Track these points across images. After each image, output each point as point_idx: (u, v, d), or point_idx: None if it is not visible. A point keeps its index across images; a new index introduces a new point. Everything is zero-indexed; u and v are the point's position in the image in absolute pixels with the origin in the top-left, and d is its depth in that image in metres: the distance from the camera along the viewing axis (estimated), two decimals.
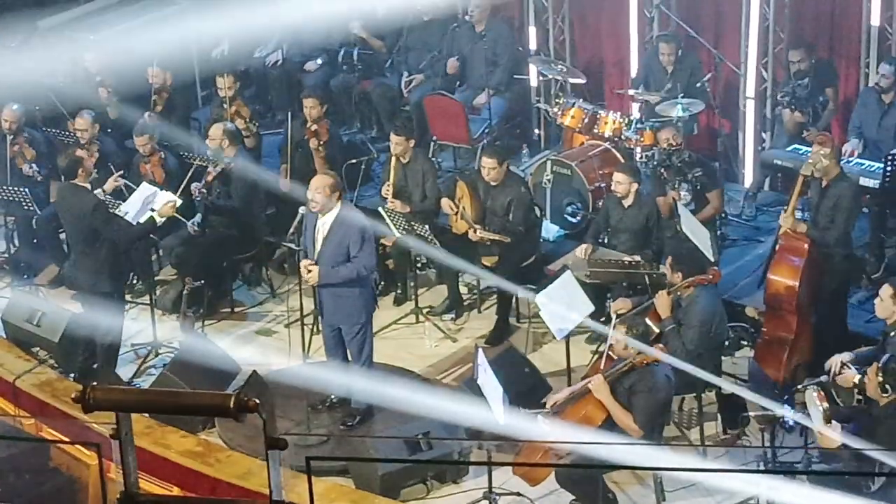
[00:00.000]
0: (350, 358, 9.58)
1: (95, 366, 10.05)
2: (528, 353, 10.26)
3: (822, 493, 7.76)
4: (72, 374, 10.19)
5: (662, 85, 12.02)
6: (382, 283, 11.25)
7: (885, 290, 8.75)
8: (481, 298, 11.24)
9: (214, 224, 11.16)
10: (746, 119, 12.16)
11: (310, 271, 9.31)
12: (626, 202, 10.46)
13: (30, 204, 11.35)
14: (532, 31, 13.22)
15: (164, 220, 10.20)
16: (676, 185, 10.59)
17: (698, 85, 12.02)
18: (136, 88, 12.38)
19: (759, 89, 12.03)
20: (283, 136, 12.04)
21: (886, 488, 7.81)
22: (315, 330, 10.29)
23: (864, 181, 10.70)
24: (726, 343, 9.74)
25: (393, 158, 11.16)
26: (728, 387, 9.10)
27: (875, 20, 11.51)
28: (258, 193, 11.28)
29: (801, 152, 11.03)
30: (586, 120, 11.89)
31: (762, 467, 8.66)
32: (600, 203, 11.01)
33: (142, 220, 10.12)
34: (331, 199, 9.22)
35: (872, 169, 10.80)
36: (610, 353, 8.77)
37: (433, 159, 12.15)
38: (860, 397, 8.60)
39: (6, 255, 12.05)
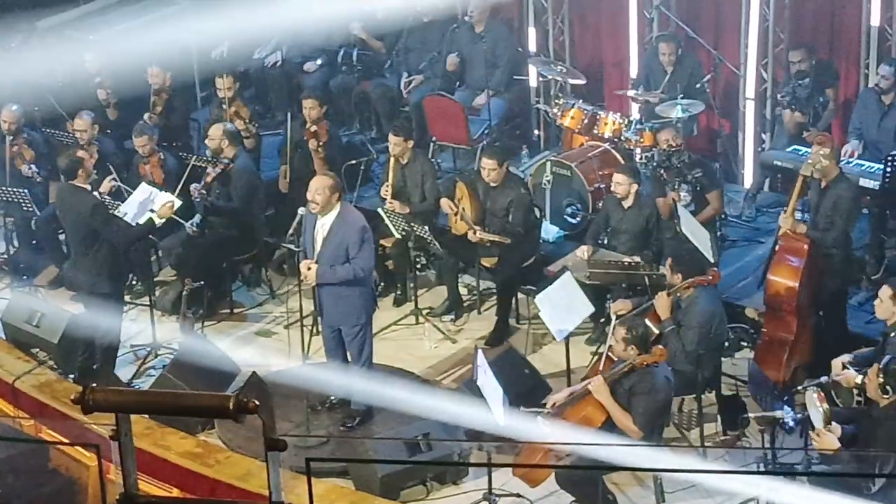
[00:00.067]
0: (350, 359, 9.58)
1: (95, 367, 10.05)
2: (527, 355, 10.25)
3: (822, 495, 7.76)
4: (71, 376, 10.18)
5: (662, 86, 12.01)
6: (382, 283, 11.25)
7: (885, 290, 8.74)
8: (481, 299, 11.23)
9: (214, 225, 11.16)
10: (746, 120, 12.16)
11: (309, 269, 9.31)
12: (626, 203, 10.45)
13: (29, 205, 11.34)
14: (532, 32, 13.22)
15: (163, 221, 10.20)
16: (676, 186, 10.58)
17: (698, 86, 12.02)
18: (136, 89, 12.37)
19: (759, 90, 12.03)
20: (282, 136, 12.04)
21: (886, 489, 7.80)
22: (315, 331, 10.28)
23: (863, 182, 10.70)
24: (726, 344, 9.73)
25: (391, 159, 11.16)
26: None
27: (875, 20, 11.50)
28: (258, 194, 11.28)
29: (800, 153, 11.02)
30: (586, 121, 11.89)
31: (762, 468, 8.65)
32: (600, 204, 11.01)
33: (141, 221, 10.12)
34: (330, 199, 9.22)
35: (872, 170, 10.80)
36: (610, 354, 8.76)
37: (432, 160, 12.15)
38: (860, 398, 8.60)
39: (5, 256, 12.04)
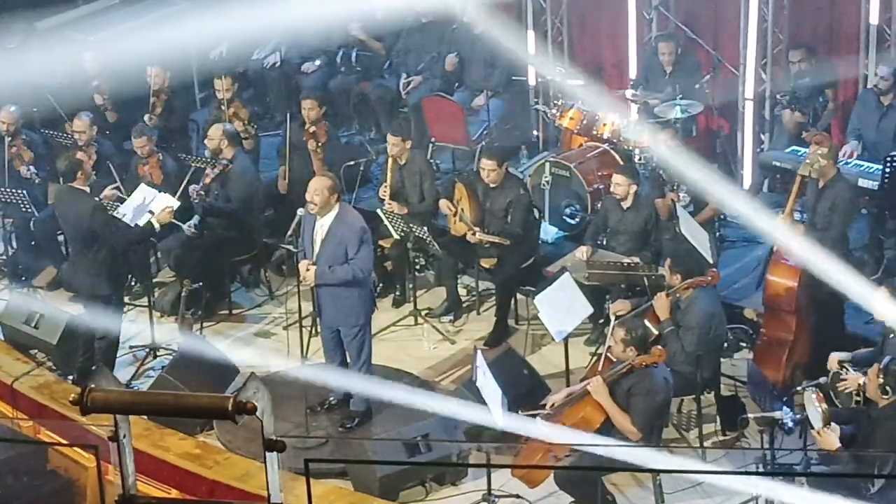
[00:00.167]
0: (349, 360, 9.57)
1: (94, 368, 10.04)
2: (526, 355, 10.24)
3: (821, 496, 7.76)
4: (70, 377, 10.18)
5: (661, 87, 12.02)
6: (381, 284, 11.25)
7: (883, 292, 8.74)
8: (480, 300, 11.23)
9: (213, 226, 11.15)
10: (745, 120, 12.16)
11: (308, 270, 9.31)
12: (625, 204, 10.45)
13: (28, 206, 11.33)
14: (531, 33, 13.20)
15: (162, 224, 10.21)
16: (675, 187, 10.57)
17: (697, 86, 12.02)
18: (135, 90, 12.37)
19: (758, 90, 12.02)
20: (281, 137, 12.04)
21: (886, 490, 7.80)
22: (314, 332, 10.28)
23: (862, 182, 10.70)
24: (725, 345, 9.73)
25: (390, 160, 11.16)
26: None
27: (874, 20, 11.50)
28: (256, 195, 11.28)
29: (799, 153, 11.02)
30: (585, 121, 11.89)
31: (761, 469, 8.65)
32: (599, 205, 11.00)
33: (140, 223, 10.12)
34: (329, 200, 9.22)
35: (871, 170, 10.80)
36: (608, 355, 8.76)
37: (431, 160, 12.14)
38: (859, 399, 8.60)
39: (4, 257, 12.03)
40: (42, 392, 9.75)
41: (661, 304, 9.23)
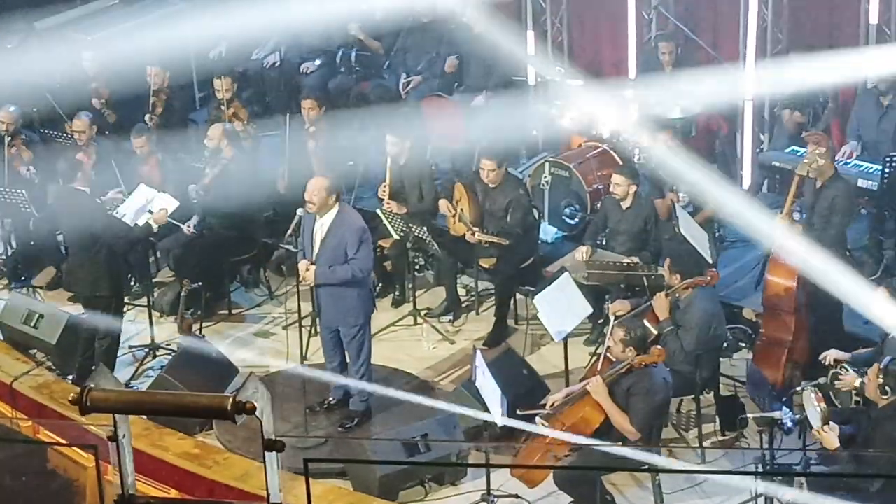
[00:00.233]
0: (348, 360, 9.57)
1: (95, 368, 10.04)
2: (526, 355, 10.24)
3: (821, 496, 7.75)
4: (70, 376, 10.18)
5: (661, 86, 12.00)
6: (380, 284, 11.24)
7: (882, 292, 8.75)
8: (479, 300, 11.22)
9: (212, 226, 11.15)
10: (744, 121, 12.15)
11: (308, 270, 9.30)
12: (625, 204, 10.45)
13: (27, 206, 11.33)
14: (530, 33, 13.20)
15: (159, 226, 10.22)
16: (675, 187, 10.57)
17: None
18: (134, 89, 12.37)
19: (757, 90, 12.01)
20: (280, 137, 12.02)
21: (885, 490, 7.80)
22: (313, 332, 10.28)
23: (862, 183, 10.70)
24: (724, 345, 9.73)
25: (388, 160, 11.15)
26: None
27: (873, 19, 11.49)
28: (256, 195, 11.26)
29: (799, 154, 11.02)
30: (584, 121, 11.87)
31: (760, 469, 8.65)
32: (598, 205, 11.00)
33: (140, 223, 10.12)
34: (327, 200, 9.22)
35: (871, 171, 10.80)
36: (608, 355, 8.76)
37: (430, 160, 12.12)
38: (858, 399, 8.59)
39: (4, 257, 12.03)
40: (41, 392, 9.75)
41: (660, 304, 9.23)
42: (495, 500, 8.70)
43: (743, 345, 10.32)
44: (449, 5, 13.22)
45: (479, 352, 8.89)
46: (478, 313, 11.17)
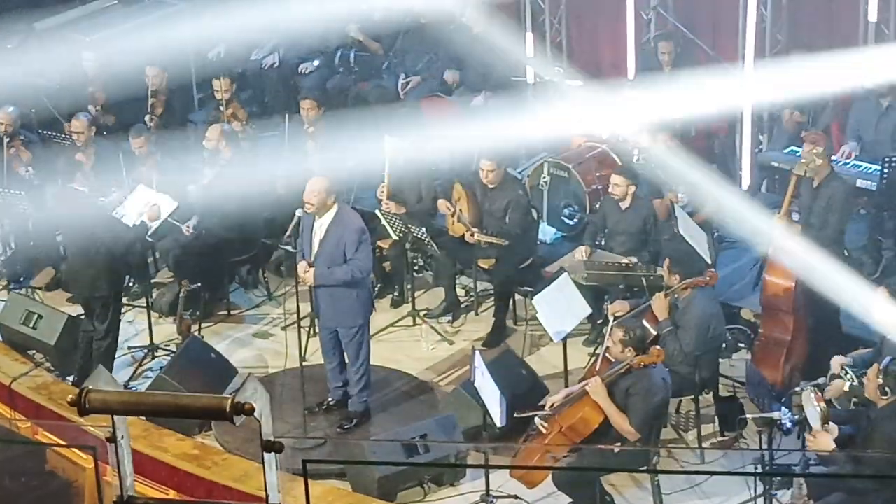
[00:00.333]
0: (347, 360, 9.57)
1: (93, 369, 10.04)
2: (525, 356, 10.24)
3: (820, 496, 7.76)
4: (68, 377, 10.18)
5: (660, 86, 11.99)
6: (379, 285, 11.24)
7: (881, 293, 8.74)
8: (478, 301, 11.22)
9: (211, 226, 11.14)
10: (743, 121, 12.15)
11: (307, 271, 9.30)
12: (624, 204, 10.45)
13: (26, 206, 11.32)
14: (529, 34, 13.20)
15: (154, 224, 10.21)
16: (674, 188, 10.57)
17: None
18: (133, 90, 12.36)
19: (756, 90, 12.00)
20: (279, 138, 12.02)
21: (884, 491, 7.79)
22: (312, 332, 10.28)
23: (861, 183, 10.70)
24: (723, 345, 9.72)
25: (387, 160, 11.14)
26: None
27: (872, 18, 11.49)
28: (255, 196, 11.25)
29: (797, 154, 11.01)
30: (584, 123, 11.87)
31: (760, 469, 8.64)
32: (597, 205, 11.00)
33: (139, 223, 10.12)
34: (326, 201, 9.22)
35: (870, 171, 10.80)
36: (607, 355, 8.76)
37: (429, 161, 12.12)
38: (856, 400, 8.58)
39: (2, 258, 12.02)
40: (40, 393, 9.75)
41: (659, 304, 9.23)
42: (494, 500, 8.71)
43: (742, 345, 10.32)
44: (448, 6, 13.22)
45: (478, 352, 8.89)
46: (477, 314, 11.16)
